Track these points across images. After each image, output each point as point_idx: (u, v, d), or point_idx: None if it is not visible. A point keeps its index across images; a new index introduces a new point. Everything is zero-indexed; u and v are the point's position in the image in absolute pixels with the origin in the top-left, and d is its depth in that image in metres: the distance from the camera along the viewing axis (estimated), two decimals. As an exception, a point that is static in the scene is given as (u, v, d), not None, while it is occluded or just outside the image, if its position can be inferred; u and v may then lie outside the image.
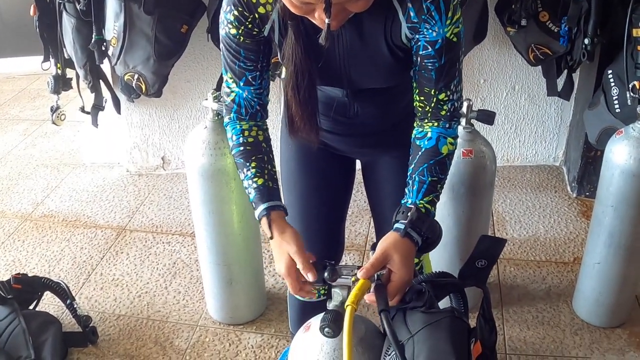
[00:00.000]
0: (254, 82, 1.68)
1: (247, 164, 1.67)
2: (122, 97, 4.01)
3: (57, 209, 4.15)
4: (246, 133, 1.71)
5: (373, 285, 1.43)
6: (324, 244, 2.09)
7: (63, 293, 2.91)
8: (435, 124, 1.60)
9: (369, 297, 1.43)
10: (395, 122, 1.92)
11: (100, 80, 3.81)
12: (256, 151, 1.71)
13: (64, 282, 2.94)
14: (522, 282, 3.20)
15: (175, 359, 2.85)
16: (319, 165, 2.04)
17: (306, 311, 1.90)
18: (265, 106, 1.75)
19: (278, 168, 1.86)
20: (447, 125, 1.60)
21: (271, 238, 1.60)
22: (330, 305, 1.46)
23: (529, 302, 3.07)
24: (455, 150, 1.63)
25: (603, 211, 2.58)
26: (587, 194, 3.82)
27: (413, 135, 1.65)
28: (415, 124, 1.65)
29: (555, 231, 3.57)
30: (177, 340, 2.94)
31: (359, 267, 1.47)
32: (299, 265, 1.51)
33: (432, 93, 1.56)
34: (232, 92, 1.71)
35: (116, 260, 3.55)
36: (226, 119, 1.79)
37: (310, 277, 1.49)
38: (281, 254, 1.56)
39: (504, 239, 1.57)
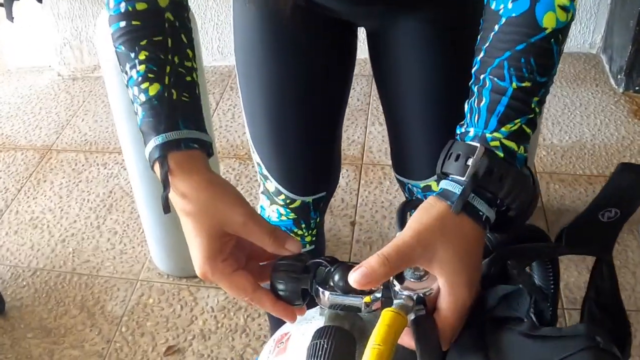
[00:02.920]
0: None
1: (132, 54, 0.98)
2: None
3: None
4: None
5: (410, 318, 0.82)
6: (307, 179, 1.52)
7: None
8: None
9: (403, 341, 0.83)
10: None
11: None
12: (151, 29, 1.00)
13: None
14: (571, 205, 2.82)
15: (108, 332, 2.36)
16: (296, 38, 1.40)
17: None
18: None
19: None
20: None
21: (166, 207, 0.94)
22: (326, 317, 0.90)
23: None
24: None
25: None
26: (638, 88, 3.52)
27: None
28: None
29: (604, 135, 3.22)
30: (111, 304, 2.47)
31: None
32: (256, 239, 0.91)
33: None
34: None
35: (37, 192, 3.12)
36: None
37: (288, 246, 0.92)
38: (200, 236, 0.90)
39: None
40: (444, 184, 0.86)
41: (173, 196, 0.90)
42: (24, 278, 2.60)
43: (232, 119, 3.36)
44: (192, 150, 0.93)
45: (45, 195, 3.05)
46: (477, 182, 0.84)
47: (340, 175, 2.82)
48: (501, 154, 0.85)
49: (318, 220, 1.57)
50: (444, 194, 0.85)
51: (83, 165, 3.23)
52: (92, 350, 2.25)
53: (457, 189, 0.84)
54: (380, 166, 2.96)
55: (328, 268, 0.86)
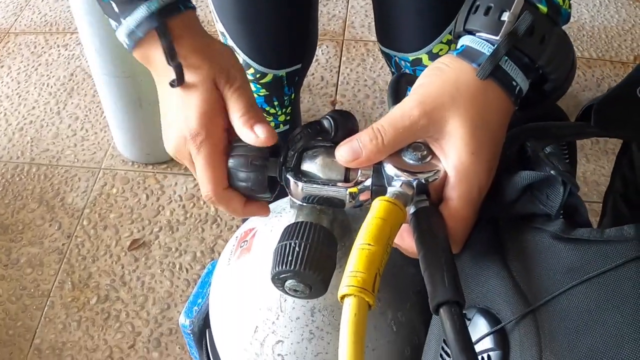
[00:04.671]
0: None
1: None
2: None
3: None
4: None
5: (409, 212, 0.66)
6: (280, 50, 1.39)
7: None
8: None
9: (402, 242, 0.69)
10: None
11: None
12: None
13: None
14: (569, 89, 2.51)
15: (68, 226, 2.23)
16: None
17: None
18: None
19: None
20: None
21: (180, 78, 0.77)
22: (298, 211, 0.73)
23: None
24: None
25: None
26: (641, -31, 3.32)
27: None
28: None
29: (604, 17, 3.09)
30: (71, 196, 2.35)
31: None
32: (236, 109, 0.75)
33: None
34: None
35: None
36: None
37: (262, 138, 0.73)
38: (201, 89, 0.77)
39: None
40: (468, 40, 0.70)
41: (162, 69, 0.78)
42: (-22, 171, 2.46)
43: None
44: (192, 11, 0.80)
45: (1, 82, 2.90)
46: (514, 43, 0.67)
47: (320, 52, 2.70)
48: (545, 8, 0.69)
49: (293, 97, 1.43)
50: (466, 53, 0.69)
51: (43, 48, 3.07)
52: (52, 247, 2.13)
53: (486, 48, 0.68)
54: (363, 42, 2.80)
55: (300, 148, 0.68)
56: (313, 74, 2.61)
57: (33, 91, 2.81)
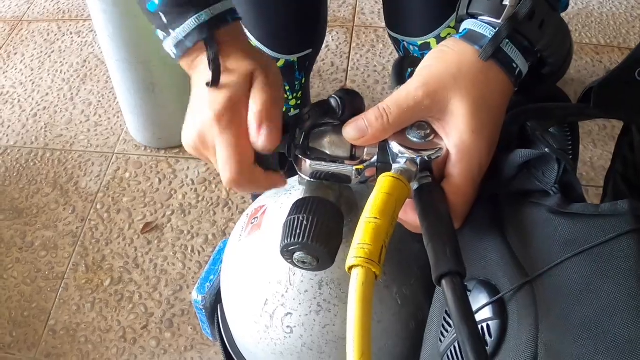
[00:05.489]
0: None
1: None
2: None
3: None
4: None
5: (413, 187, 0.68)
6: (291, 35, 1.38)
7: None
8: None
9: (406, 216, 0.72)
10: None
11: None
12: None
13: None
14: (577, 74, 2.66)
15: (82, 210, 2.25)
16: None
17: None
18: None
19: None
20: None
21: (214, 84, 0.79)
22: (306, 187, 0.75)
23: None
24: None
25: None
26: (651, -45, 3.22)
27: None
28: None
29: (613, 4, 3.02)
30: (85, 180, 2.37)
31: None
32: (251, 114, 0.75)
33: None
34: None
35: (7, 65, 2.96)
36: None
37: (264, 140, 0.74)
38: (220, 94, 0.78)
39: None
40: (471, 24, 0.72)
41: (203, 72, 0.79)
42: (-7, 157, 2.47)
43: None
44: (237, 22, 0.82)
45: (15, 69, 2.90)
46: (515, 26, 0.70)
47: (330, 38, 2.71)
48: None
49: (303, 81, 1.44)
50: (469, 36, 0.71)
51: (56, 35, 3.06)
52: (66, 230, 2.15)
53: (488, 31, 0.70)
54: (373, 29, 2.79)
55: (308, 126, 0.70)
56: (323, 59, 2.61)
57: (46, 78, 2.81)
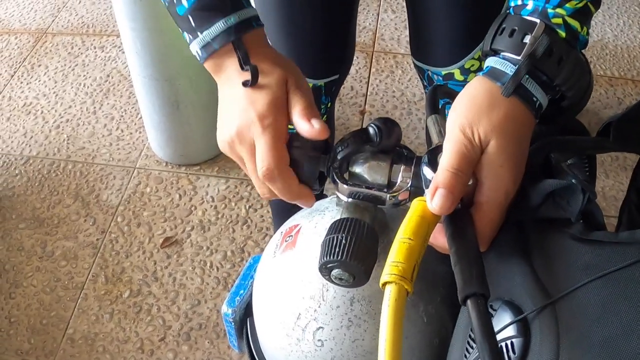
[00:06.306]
0: None
1: None
2: None
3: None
4: None
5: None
6: (320, 61, 1.39)
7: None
8: None
9: (436, 241, 0.75)
10: None
11: None
12: None
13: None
14: (591, 105, 2.67)
15: (102, 222, 2.27)
16: None
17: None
18: None
19: None
20: None
21: (254, 81, 0.84)
22: (344, 209, 0.78)
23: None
24: None
25: None
26: (665, -9, 3.33)
27: None
28: None
29: (627, 37, 3.05)
30: (106, 193, 2.39)
31: (401, 153, 0.77)
32: (299, 114, 0.81)
33: None
34: None
35: (31, 77, 2.97)
36: None
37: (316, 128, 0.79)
38: (260, 98, 0.83)
39: None
40: (493, 61, 0.76)
41: (232, 74, 0.84)
42: (16, 166, 2.51)
43: None
44: (262, 28, 0.87)
45: (39, 81, 2.92)
46: (534, 63, 0.73)
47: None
48: (563, 34, 0.75)
49: (329, 105, 1.47)
50: (492, 74, 0.75)
51: (79, 49, 3.08)
52: (86, 241, 2.18)
53: (509, 69, 0.74)
54: (392, 54, 2.82)
55: (349, 151, 0.74)
56: (344, 83, 2.61)
57: (70, 90, 2.83)
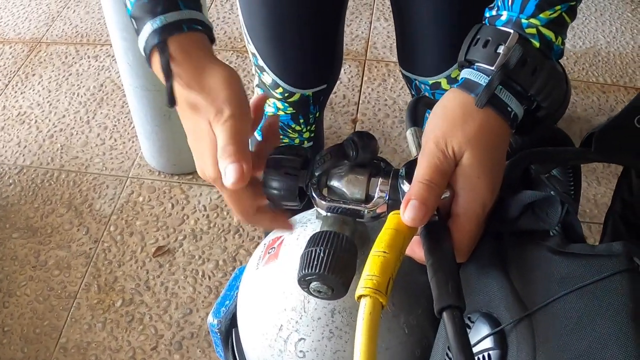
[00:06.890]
0: None
1: None
2: None
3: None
4: None
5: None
6: (307, 71, 1.39)
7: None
8: None
9: (413, 254, 0.74)
10: None
11: None
12: None
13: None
14: (583, 112, 2.66)
15: (95, 231, 2.26)
16: None
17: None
18: None
19: None
20: None
21: (171, 99, 0.79)
22: (323, 221, 0.78)
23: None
24: None
25: None
26: (657, -2, 3.32)
27: None
28: None
29: (620, 44, 3.05)
30: (99, 202, 2.38)
31: (379, 166, 0.77)
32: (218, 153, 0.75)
33: None
34: None
35: (25, 86, 2.96)
36: None
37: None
38: (201, 131, 0.78)
39: None
40: (467, 73, 0.75)
41: (177, 88, 0.76)
42: (10, 176, 2.49)
43: (231, 10, 3.18)
44: (196, 33, 0.79)
45: (33, 90, 2.91)
46: (507, 73, 0.72)
47: (343, 71, 2.64)
48: (537, 44, 0.74)
49: (317, 115, 1.46)
50: (466, 85, 0.74)
51: (73, 58, 3.07)
52: (79, 251, 2.17)
53: (482, 80, 0.73)
54: (385, 63, 2.82)
55: (325, 167, 0.75)
56: (335, 92, 2.62)
57: (63, 100, 2.82)
